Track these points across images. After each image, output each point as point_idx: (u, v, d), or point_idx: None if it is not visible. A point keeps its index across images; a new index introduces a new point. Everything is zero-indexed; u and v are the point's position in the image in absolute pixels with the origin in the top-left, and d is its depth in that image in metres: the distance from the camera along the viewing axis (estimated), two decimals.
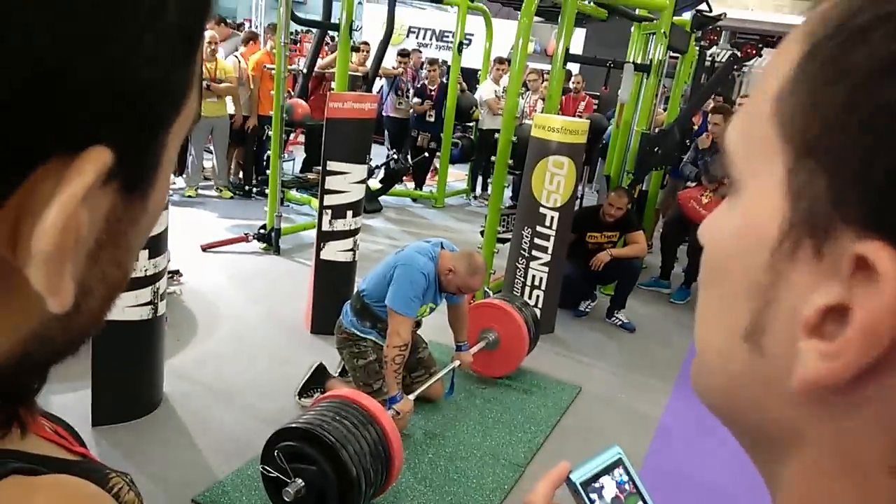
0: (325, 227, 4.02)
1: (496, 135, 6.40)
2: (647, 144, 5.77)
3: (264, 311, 4.41)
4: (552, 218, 4.42)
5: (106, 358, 2.88)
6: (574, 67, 9.15)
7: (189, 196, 6.89)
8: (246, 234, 5.62)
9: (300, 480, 2.41)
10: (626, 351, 4.60)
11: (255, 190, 7.34)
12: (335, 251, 4.06)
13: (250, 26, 11.44)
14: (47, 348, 0.32)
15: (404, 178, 8.29)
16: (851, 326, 0.24)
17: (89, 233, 0.28)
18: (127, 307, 2.90)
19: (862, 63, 0.24)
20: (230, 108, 6.91)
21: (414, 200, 8.38)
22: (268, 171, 5.90)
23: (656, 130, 6.05)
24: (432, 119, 8.29)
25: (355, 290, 3.48)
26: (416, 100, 8.36)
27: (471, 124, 8.85)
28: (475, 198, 8.91)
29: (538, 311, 4.39)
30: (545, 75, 7.68)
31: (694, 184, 5.70)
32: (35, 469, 0.46)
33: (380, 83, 8.43)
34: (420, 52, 9.45)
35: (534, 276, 4.54)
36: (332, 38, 7.91)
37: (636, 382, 4.11)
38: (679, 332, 5.04)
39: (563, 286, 4.68)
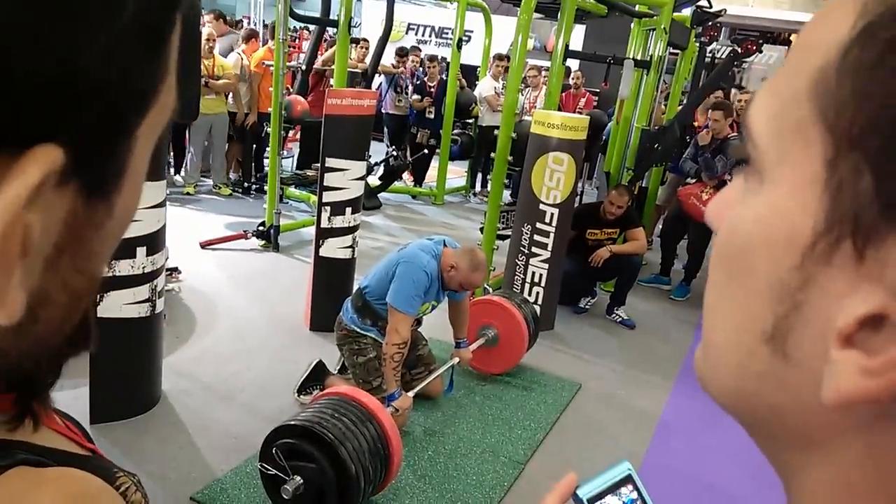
0: (325, 223, 4.01)
1: (496, 131, 6.38)
2: (647, 141, 5.75)
3: (263, 309, 4.40)
4: (552, 214, 4.41)
5: (104, 355, 2.87)
6: (574, 64, 9.13)
7: (188, 193, 6.87)
8: (245, 231, 5.61)
9: (298, 478, 2.40)
10: (626, 348, 4.58)
11: (253, 187, 7.33)
12: (334, 248, 4.05)
13: (249, 23, 11.40)
14: (3, 360, 0.30)
15: (403, 174, 8.28)
16: (891, 344, 0.22)
17: (45, 238, 0.26)
18: (125, 304, 2.88)
19: None
20: (231, 105, 6.90)
21: (413, 197, 8.37)
22: (266, 168, 5.88)
23: (656, 127, 6.04)
24: (432, 116, 8.28)
25: (356, 286, 3.46)
26: (415, 96, 8.35)
27: (470, 121, 8.84)
28: (474, 195, 8.90)
29: (538, 308, 4.38)
30: (544, 72, 7.66)
31: (694, 180, 5.69)
32: (42, 461, 0.45)
33: (379, 80, 8.41)
34: (419, 49, 9.42)
35: (534, 273, 4.53)
36: (331, 35, 7.90)
37: (636, 379, 4.10)
38: (679, 329, 5.03)
39: (563, 283, 4.67)
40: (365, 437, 2.46)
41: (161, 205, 2.99)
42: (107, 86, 0.25)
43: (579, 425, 3.51)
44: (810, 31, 0.27)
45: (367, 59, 7.69)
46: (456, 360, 3.52)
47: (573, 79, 8.76)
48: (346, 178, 3.97)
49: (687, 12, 6.40)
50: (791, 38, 14.73)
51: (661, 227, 6.52)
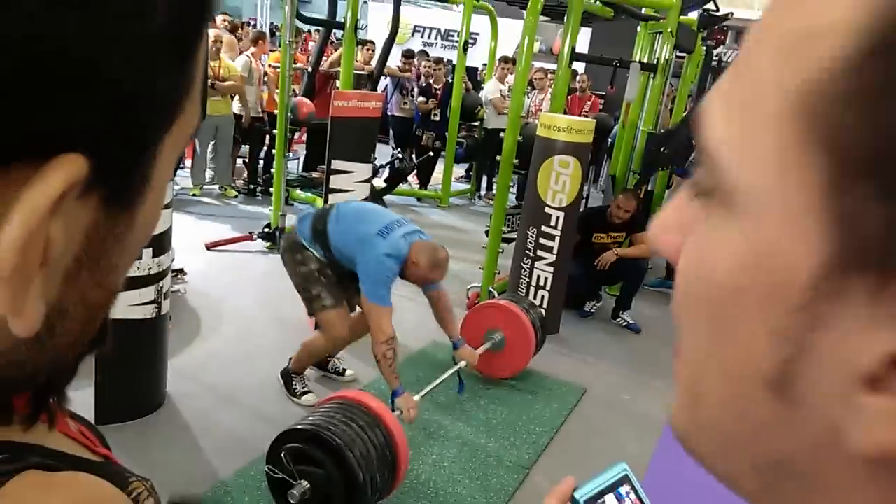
0: None
1: (501, 134, 6.38)
2: (654, 144, 5.74)
3: (268, 311, 4.40)
4: (557, 218, 4.40)
5: (109, 357, 2.87)
6: (580, 67, 9.12)
7: (193, 195, 6.88)
8: (250, 233, 5.61)
9: (305, 482, 2.39)
10: (631, 352, 4.57)
11: (259, 188, 7.34)
12: None
13: (256, 25, 11.43)
14: (20, 372, 0.30)
15: (409, 177, 8.28)
16: None
17: (66, 249, 0.25)
18: (130, 306, 2.89)
19: None
20: (235, 108, 6.90)
21: (418, 200, 8.36)
22: (272, 170, 5.89)
23: (662, 130, 6.02)
24: (437, 118, 8.28)
25: (325, 212, 3.31)
26: (420, 98, 8.35)
27: (476, 123, 8.83)
28: (479, 197, 8.89)
29: (543, 312, 4.37)
30: (550, 74, 7.66)
31: None
32: (54, 465, 0.45)
33: (384, 82, 8.42)
34: (427, 54, 9.42)
35: (539, 277, 4.52)
36: (337, 38, 7.92)
37: (642, 384, 4.08)
38: None
39: (569, 287, 4.66)
40: (373, 444, 2.45)
41: (167, 206, 2.99)
42: (133, 95, 0.24)
43: (584, 430, 3.50)
44: (794, 34, 0.22)
45: (373, 62, 7.71)
46: (462, 363, 3.50)
47: (579, 82, 8.75)
48: (352, 180, 3.97)
49: (694, 16, 6.39)
50: None
51: None
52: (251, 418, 3.19)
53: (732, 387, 0.25)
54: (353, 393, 2.77)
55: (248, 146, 7.31)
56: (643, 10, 5.93)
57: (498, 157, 4.85)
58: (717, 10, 6.32)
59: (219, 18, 7.09)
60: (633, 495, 0.63)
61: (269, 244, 5.56)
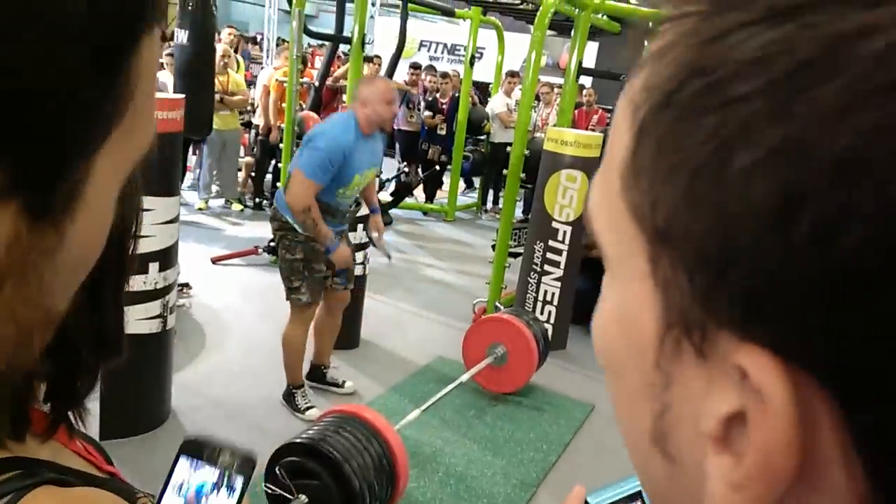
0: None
1: (507, 148, 6.37)
2: None
3: (273, 325, 4.37)
4: (565, 232, 4.38)
5: (114, 371, 2.85)
6: (586, 81, 9.14)
7: (200, 209, 6.90)
8: (256, 247, 5.61)
9: (304, 497, 2.37)
10: None
11: (266, 202, 7.35)
12: None
13: (262, 39, 11.50)
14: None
15: (414, 191, 8.29)
16: (751, 452, 0.20)
17: None
18: (136, 320, 2.88)
19: (694, 153, 0.20)
20: (256, 119, 6.94)
21: (424, 214, 8.36)
22: (278, 184, 5.90)
23: None
24: (443, 132, 8.30)
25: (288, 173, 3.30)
26: (426, 113, 8.37)
27: (482, 137, 8.85)
28: (486, 211, 8.89)
29: (550, 327, 4.35)
30: (557, 89, 7.67)
31: None
32: (67, 481, 0.46)
33: None
34: (434, 68, 9.45)
35: (546, 292, 4.49)
36: (345, 53, 7.95)
37: None
38: None
39: (576, 301, 4.63)
40: (370, 453, 2.43)
41: (174, 220, 2.99)
42: (48, 99, 0.24)
43: (592, 447, 3.46)
44: (616, 122, 0.25)
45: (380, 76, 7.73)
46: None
47: (586, 96, 8.76)
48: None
49: None
50: None
51: None
52: (255, 433, 3.16)
53: (635, 441, 0.27)
54: (350, 406, 2.75)
55: (254, 160, 7.34)
56: (651, 25, 5.94)
57: (505, 172, 4.84)
58: None
59: (225, 32, 7.13)
60: None
61: (274, 258, 5.55)
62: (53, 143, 0.25)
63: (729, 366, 0.20)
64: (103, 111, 0.27)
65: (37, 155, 0.25)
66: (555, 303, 4.49)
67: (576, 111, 7.77)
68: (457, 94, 8.18)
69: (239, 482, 0.55)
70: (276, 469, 2.41)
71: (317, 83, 6.66)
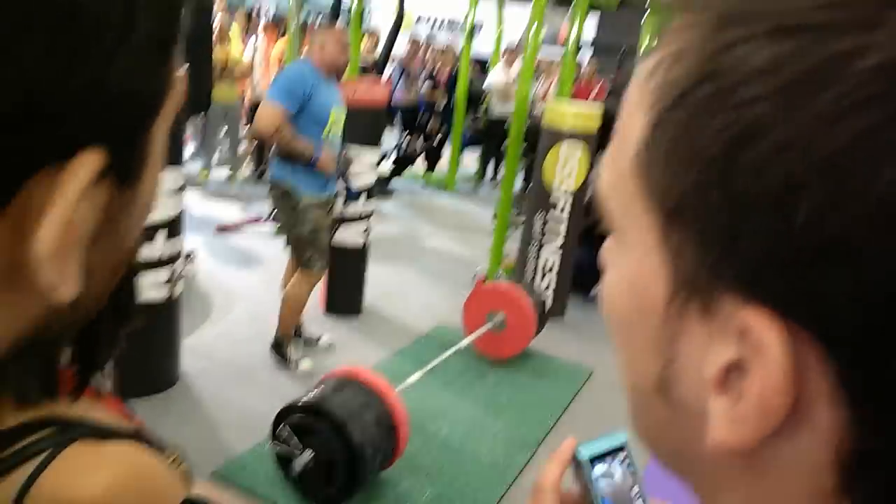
0: (338, 210, 4.05)
1: (507, 121, 6.37)
2: None
3: (278, 292, 4.45)
4: (565, 203, 4.44)
5: (126, 336, 2.93)
6: (586, 54, 9.10)
7: (203, 179, 6.93)
8: (259, 216, 5.66)
9: (309, 451, 2.46)
10: None
11: (267, 172, 7.37)
12: (349, 234, 4.10)
13: (259, 13, 11.40)
14: (56, 327, 0.35)
15: (415, 162, 8.30)
16: (750, 394, 0.24)
17: (90, 224, 0.30)
18: (145, 288, 2.94)
19: (706, 147, 0.24)
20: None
21: (425, 184, 8.39)
22: None
23: None
24: (442, 105, 8.29)
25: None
26: (427, 83, 8.35)
27: (479, 115, 8.83)
28: (487, 181, 8.90)
29: (550, 295, 4.42)
30: (554, 63, 7.64)
31: None
32: (101, 435, 0.49)
33: (390, 69, 8.43)
34: (431, 41, 9.40)
35: (546, 261, 4.56)
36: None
37: None
38: None
39: (576, 270, 4.70)
40: (371, 412, 2.52)
41: (181, 189, 3.05)
42: (130, 95, 0.29)
43: (590, 411, 3.56)
44: (628, 109, 0.29)
45: (377, 51, 7.71)
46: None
47: (587, 67, 8.73)
48: (360, 165, 4.00)
49: None
50: None
51: None
52: (264, 395, 3.25)
53: (639, 391, 0.31)
54: (353, 369, 2.81)
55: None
56: (648, 1, 5.93)
57: (505, 144, 4.87)
58: None
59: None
60: (628, 462, 0.65)
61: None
62: (136, 124, 0.31)
63: (731, 322, 0.24)
64: (163, 88, 0.33)
65: (125, 136, 0.31)
66: (555, 271, 4.56)
67: (576, 83, 7.77)
68: (456, 69, 8.16)
69: None
70: (281, 427, 2.50)
71: None
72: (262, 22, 7.62)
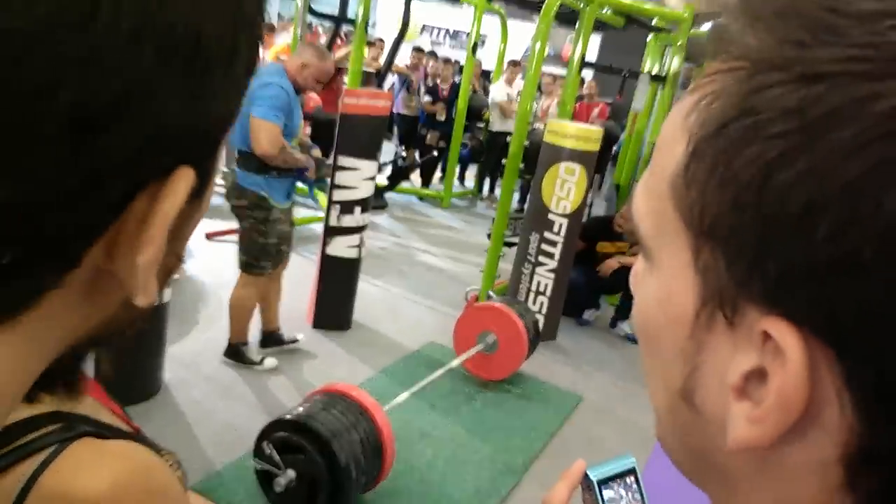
0: (333, 222, 4.01)
1: (507, 138, 6.37)
2: None
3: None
4: (561, 225, 4.40)
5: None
6: (588, 73, 9.14)
7: None
8: None
9: (291, 471, 2.40)
10: (628, 361, 4.58)
11: None
12: (342, 247, 4.05)
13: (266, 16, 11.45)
14: (111, 332, 0.37)
15: (411, 175, 8.29)
16: (769, 397, 0.27)
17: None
18: None
19: (741, 172, 0.26)
20: None
21: (420, 199, 8.36)
22: None
23: None
24: (443, 118, 8.29)
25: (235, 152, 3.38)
26: (426, 99, 8.35)
27: (481, 125, 8.84)
28: (481, 199, 8.90)
29: (542, 318, 4.38)
30: (559, 80, 7.67)
31: None
32: (104, 434, 0.51)
33: (391, 79, 8.43)
34: (435, 54, 9.42)
35: (539, 282, 4.52)
36: (346, 35, 7.92)
37: (637, 394, 4.09)
38: None
39: (569, 294, 4.67)
40: (357, 431, 2.47)
41: None
42: (223, 118, 0.31)
43: (578, 438, 3.51)
44: (663, 139, 0.32)
45: (381, 59, 7.71)
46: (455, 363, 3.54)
47: (587, 89, 8.76)
48: (358, 177, 3.97)
49: (705, 28, 6.41)
50: None
51: None
52: (247, 409, 3.19)
53: (665, 397, 0.34)
54: (340, 386, 2.77)
55: None
56: (654, 22, 5.94)
57: (503, 161, 4.86)
58: None
59: None
60: (635, 487, 0.68)
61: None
62: (216, 143, 0.33)
63: (754, 332, 0.27)
64: (236, 109, 0.34)
65: (207, 153, 0.32)
66: (547, 294, 4.52)
67: (577, 104, 7.79)
68: (458, 81, 8.17)
69: None
70: (265, 444, 2.44)
71: None
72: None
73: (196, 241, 5.16)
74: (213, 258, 4.96)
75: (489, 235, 4.95)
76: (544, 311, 4.51)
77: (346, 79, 5.95)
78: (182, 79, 0.27)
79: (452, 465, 3.06)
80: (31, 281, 0.28)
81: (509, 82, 8.21)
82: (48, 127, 0.23)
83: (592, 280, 4.90)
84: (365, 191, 4.02)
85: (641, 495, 0.68)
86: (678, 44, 5.58)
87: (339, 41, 7.21)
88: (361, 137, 3.95)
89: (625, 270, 4.84)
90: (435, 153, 8.27)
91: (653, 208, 0.32)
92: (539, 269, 4.51)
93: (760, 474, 0.30)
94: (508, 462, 3.16)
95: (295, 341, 3.81)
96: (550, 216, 4.41)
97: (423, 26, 14.28)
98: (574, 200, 4.37)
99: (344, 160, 3.93)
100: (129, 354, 2.97)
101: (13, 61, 0.22)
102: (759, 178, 0.26)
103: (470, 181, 9.34)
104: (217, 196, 6.68)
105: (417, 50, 9.02)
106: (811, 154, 0.25)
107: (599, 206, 7.40)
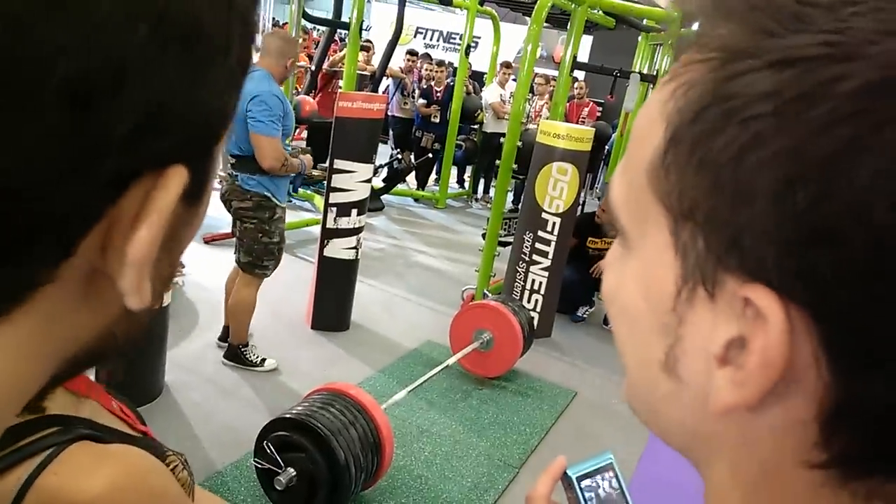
0: (330, 224, 4.06)
1: (500, 139, 6.41)
2: None
3: (265, 306, 4.42)
4: (554, 224, 4.47)
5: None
6: (579, 73, 9.19)
7: None
8: None
9: (291, 469, 2.46)
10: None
11: None
12: (339, 249, 4.10)
13: (259, 21, 11.45)
14: (112, 342, 0.36)
15: (407, 177, 8.33)
16: (751, 359, 0.28)
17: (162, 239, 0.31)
18: None
19: (719, 155, 0.28)
20: None
21: (416, 201, 8.41)
22: None
23: None
24: (437, 120, 8.34)
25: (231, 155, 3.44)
26: (421, 101, 8.40)
27: (475, 127, 8.90)
28: (476, 200, 8.95)
29: (536, 315, 4.44)
30: (552, 81, 7.72)
31: None
32: (102, 437, 0.51)
33: (386, 82, 8.48)
34: (430, 56, 9.47)
35: (533, 281, 4.59)
36: (341, 39, 7.97)
37: None
38: None
39: (562, 291, 4.73)
40: (356, 429, 2.52)
41: None
42: (214, 115, 0.31)
43: (573, 432, 3.57)
44: (640, 131, 0.33)
45: (374, 61, 7.76)
46: (451, 360, 3.59)
47: (577, 88, 8.82)
48: (354, 180, 4.02)
49: (695, 27, 6.46)
50: None
51: None
52: (248, 410, 3.24)
53: (642, 370, 0.36)
54: (338, 385, 2.82)
55: None
56: (645, 22, 6.01)
57: (497, 162, 4.91)
58: None
59: None
60: (615, 482, 0.71)
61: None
62: (212, 143, 0.32)
63: (735, 301, 0.29)
64: (233, 110, 0.34)
65: (201, 153, 0.32)
66: (542, 292, 4.58)
67: (567, 103, 7.85)
68: (452, 83, 8.22)
69: None
70: (265, 443, 2.49)
71: (313, 67, 6.69)
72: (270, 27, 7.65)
73: (195, 245, 5.20)
74: (212, 262, 5.01)
75: (484, 235, 5.01)
76: (539, 308, 4.57)
77: (341, 83, 6.00)
78: (178, 62, 0.27)
79: (450, 461, 3.12)
80: (24, 270, 0.27)
81: (502, 84, 8.27)
82: (47, 98, 0.23)
83: (586, 277, 4.96)
84: (361, 193, 4.08)
85: (620, 487, 0.71)
86: (668, 43, 5.64)
87: (334, 45, 7.26)
88: (357, 140, 4.01)
89: None
90: (430, 155, 8.32)
91: (630, 193, 0.34)
92: (533, 268, 4.57)
93: (743, 438, 0.32)
94: (505, 457, 3.22)
95: (261, 363, 3.72)
96: (544, 215, 4.47)
97: (417, 29, 14.33)
98: (567, 200, 4.43)
99: (340, 163, 3.98)
100: (130, 358, 3.03)
101: (14, 36, 0.22)
102: (736, 159, 0.27)
103: (466, 182, 9.39)
104: (212, 200, 6.71)
105: (411, 53, 9.08)
106: (786, 134, 0.26)
107: (592, 205, 7.46)
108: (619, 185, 0.35)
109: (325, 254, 4.11)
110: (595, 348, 4.74)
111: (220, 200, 3.41)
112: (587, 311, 5.23)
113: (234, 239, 3.54)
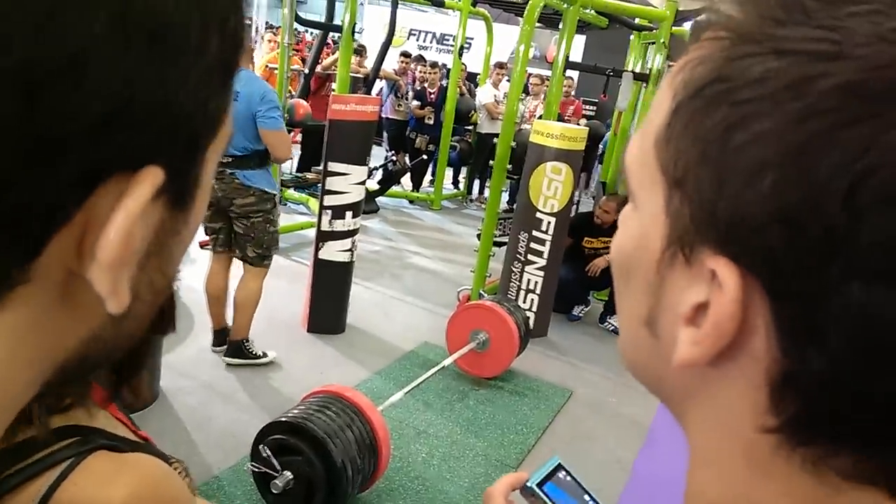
0: (325, 227, 4.06)
1: (494, 139, 6.43)
2: None
3: (261, 309, 4.42)
4: (549, 223, 4.47)
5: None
6: (573, 73, 9.20)
7: None
8: None
9: (288, 473, 2.45)
10: (617, 356, 4.53)
11: None
12: (334, 251, 4.10)
13: (252, 25, 11.45)
14: (101, 349, 0.35)
15: (401, 179, 8.34)
16: (707, 321, 0.31)
17: (142, 244, 0.31)
18: None
19: (709, 130, 0.30)
20: None
21: (411, 202, 8.42)
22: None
23: None
24: (431, 122, 8.34)
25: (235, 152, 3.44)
26: (415, 103, 8.40)
27: (469, 128, 8.90)
28: (471, 201, 8.95)
29: (532, 315, 4.45)
30: (546, 81, 7.72)
31: None
32: (118, 446, 0.52)
33: (379, 85, 8.48)
34: (423, 58, 9.47)
35: (529, 280, 4.59)
36: (334, 40, 7.97)
37: (627, 387, 4.15)
38: None
39: (558, 291, 4.73)
40: (353, 431, 2.52)
41: None
42: (193, 115, 0.30)
43: (570, 431, 3.57)
44: (657, 98, 0.36)
45: (368, 64, 7.75)
46: (447, 362, 3.60)
47: (564, 86, 8.80)
48: (348, 182, 4.02)
49: (687, 27, 6.48)
50: None
51: None
52: (244, 414, 3.24)
53: (631, 326, 0.38)
54: (334, 387, 2.82)
55: None
56: (637, 20, 6.02)
57: (491, 162, 4.92)
58: None
59: None
60: (569, 478, 0.78)
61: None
62: (194, 145, 0.31)
63: (705, 270, 0.31)
64: (222, 113, 0.33)
65: (183, 157, 0.31)
66: (537, 291, 4.59)
67: None
68: (445, 84, 8.23)
69: None
70: (261, 447, 2.49)
71: (307, 70, 6.69)
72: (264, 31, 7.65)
73: (189, 250, 5.18)
74: (206, 267, 4.99)
75: (479, 236, 5.01)
76: (535, 308, 4.58)
77: (334, 85, 6.00)
78: (144, 58, 0.26)
79: (447, 461, 3.12)
80: None
81: (495, 84, 8.28)
82: (1, 85, 0.23)
83: (581, 277, 4.97)
84: (356, 195, 4.08)
85: (575, 479, 0.78)
86: (660, 41, 5.65)
87: (327, 48, 7.26)
88: (351, 143, 4.01)
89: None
90: (424, 157, 8.32)
91: (640, 157, 0.36)
92: (529, 268, 4.58)
93: (702, 392, 0.34)
94: (502, 457, 3.22)
95: (263, 355, 3.80)
96: (538, 215, 4.47)
97: (411, 31, 14.34)
98: (561, 199, 4.44)
99: (334, 166, 3.98)
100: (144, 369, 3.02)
101: None
102: (722, 138, 0.30)
103: (461, 183, 9.40)
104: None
105: (405, 55, 9.08)
106: (767, 120, 0.28)
107: (587, 205, 7.46)
108: (633, 148, 0.37)
109: (320, 257, 4.11)
110: (591, 347, 4.74)
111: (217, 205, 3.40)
112: (583, 310, 5.23)
113: (233, 239, 3.56)
